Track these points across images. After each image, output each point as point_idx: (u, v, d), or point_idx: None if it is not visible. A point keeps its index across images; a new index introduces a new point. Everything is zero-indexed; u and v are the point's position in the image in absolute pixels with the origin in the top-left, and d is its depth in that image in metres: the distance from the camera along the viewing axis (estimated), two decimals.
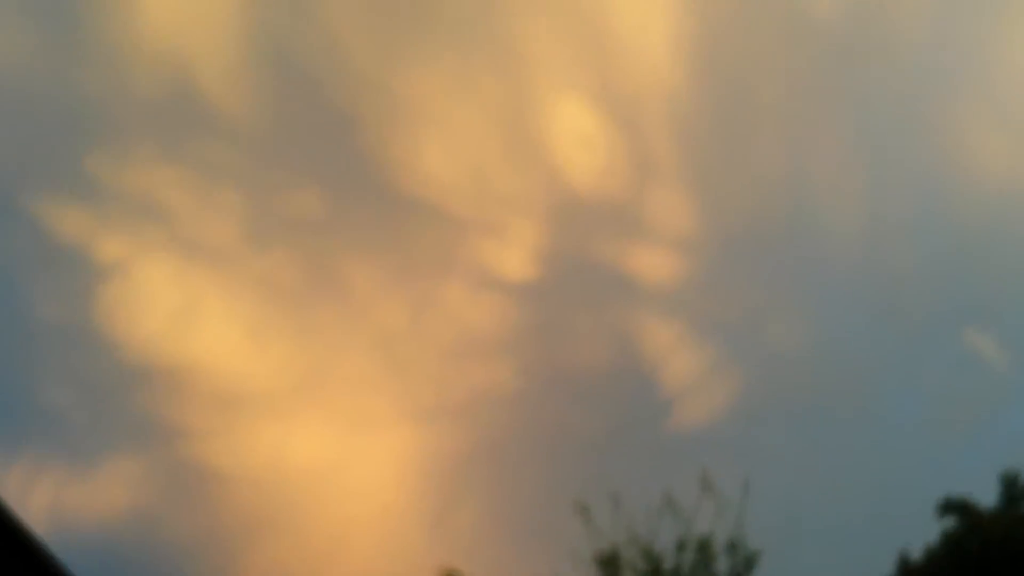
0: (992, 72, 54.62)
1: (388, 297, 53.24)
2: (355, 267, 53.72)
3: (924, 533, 32.29)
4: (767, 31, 53.97)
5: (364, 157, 53.00)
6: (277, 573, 35.30)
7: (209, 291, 49.58)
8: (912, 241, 51.04)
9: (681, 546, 29.23)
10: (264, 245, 52.00)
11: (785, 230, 51.41)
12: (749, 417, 42.17)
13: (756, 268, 51.53)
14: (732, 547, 29.22)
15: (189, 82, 52.13)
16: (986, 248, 49.33)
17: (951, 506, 32.26)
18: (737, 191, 52.61)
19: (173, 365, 45.93)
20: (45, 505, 39.59)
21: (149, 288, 48.13)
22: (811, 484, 37.00)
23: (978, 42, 55.12)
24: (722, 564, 28.60)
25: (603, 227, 52.85)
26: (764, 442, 39.13)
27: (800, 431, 41.33)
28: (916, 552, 32.39)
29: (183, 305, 49.00)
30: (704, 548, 29.15)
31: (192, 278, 49.69)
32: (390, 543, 39.56)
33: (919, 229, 51.05)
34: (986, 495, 32.68)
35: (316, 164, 53.95)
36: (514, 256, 51.46)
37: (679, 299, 49.98)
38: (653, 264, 50.69)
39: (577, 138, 52.69)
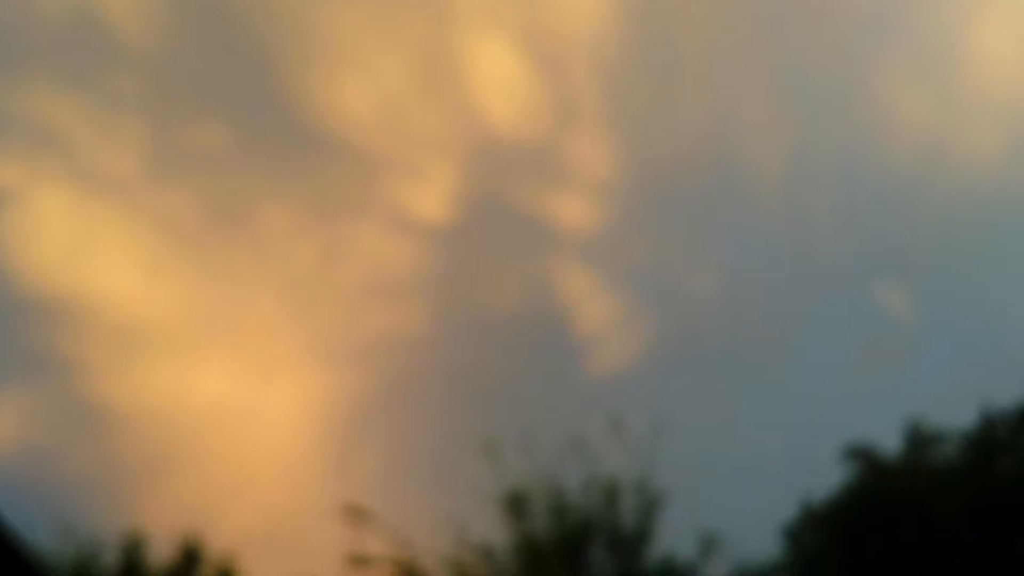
0: (917, 26, 54.93)
1: (298, 237, 51.85)
2: (265, 205, 52.12)
3: (831, 479, 32.50)
4: None
5: (278, 93, 51.31)
6: (176, 512, 34.05)
7: (108, 223, 47.65)
8: (831, 191, 51.33)
9: (588, 486, 29.05)
10: (168, 179, 50.07)
11: (706, 177, 51.22)
12: (662, 362, 42.02)
13: (675, 215, 51.32)
14: (639, 487, 29.13)
15: (94, 8, 49.85)
16: (902, 201, 49.82)
17: (854, 452, 32.51)
18: (659, 137, 52.21)
19: (69, 297, 44.07)
20: None
21: (45, 218, 46.13)
22: (722, 429, 37.02)
23: (905, 4, 55.41)
24: (629, 503, 28.51)
25: (522, 171, 52.03)
26: (676, 387, 38.98)
27: (713, 377, 41.31)
28: (819, 497, 32.60)
29: (81, 237, 47.13)
30: (611, 488, 28.98)
31: (91, 209, 47.67)
32: (294, 484, 38.64)
33: (838, 179, 51.36)
34: (893, 444, 33.00)
35: (227, 98, 52.09)
36: (430, 198, 50.39)
37: (596, 245, 49.54)
38: (572, 209, 50.07)
39: (499, 80, 51.66)
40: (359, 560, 27.79)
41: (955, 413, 32.63)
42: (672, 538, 29.11)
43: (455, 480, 31.32)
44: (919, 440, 32.51)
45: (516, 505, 28.31)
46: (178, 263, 48.79)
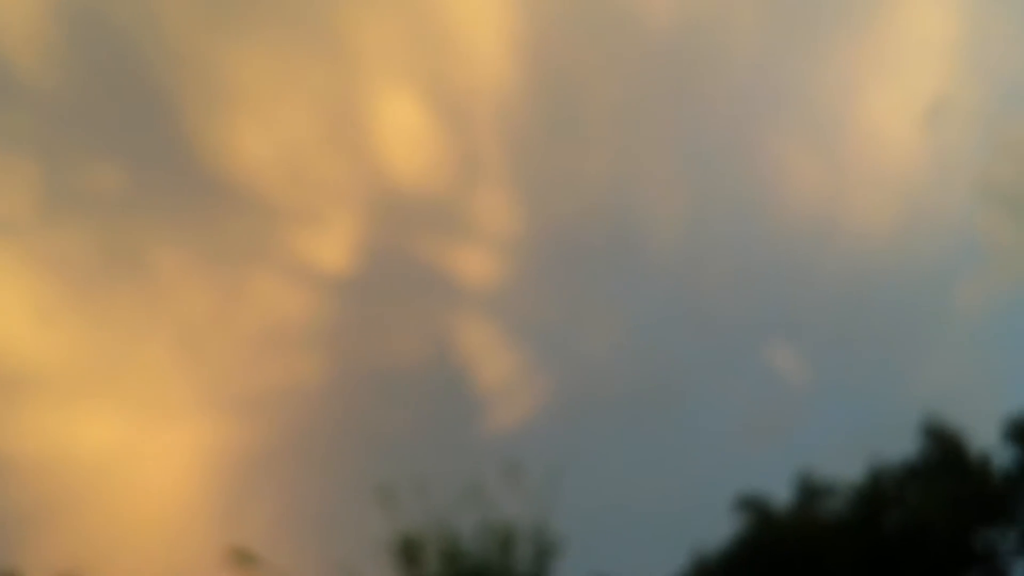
0: (812, 101, 57.22)
1: (194, 284, 50.81)
2: (161, 251, 51.03)
3: (723, 530, 32.88)
4: (603, 37, 54.85)
5: (179, 136, 50.65)
6: (60, 560, 32.57)
7: None
8: (726, 253, 52.66)
9: (483, 532, 28.77)
10: (61, 221, 48.74)
11: (606, 234, 52.07)
12: (561, 416, 42.19)
13: (576, 270, 51.96)
14: (535, 535, 28.94)
15: None
16: (795, 266, 51.37)
17: (746, 503, 32.99)
18: (562, 193, 53.04)
19: None
20: None
21: None
22: (618, 480, 37.23)
23: (801, 72, 57.69)
24: (524, 551, 28.27)
25: (426, 223, 52.17)
26: (574, 440, 39.14)
27: (610, 430, 41.60)
28: (711, 547, 32.92)
29: None
30: (506, 535, 28.73)
31: None
32: (182, 533, 37.36)
33: (734, 242, 52.75)
34: (784, 496, 33.61)
35: (126, 139, 51.19)
36: (331, 248, 50.09)
37: (498, 299, 49.78)
38: (474, 263, 50.32)
39: (404, 132, 52.01)
40: None
41: (844, 468, 33.51)
42: None
43: (348, 528, 30.74)
44: (809, 492, 33.17)
45: (409, 552, 27.81)
46: (69, 309, 47.34)
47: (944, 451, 32.34)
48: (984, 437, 32.17)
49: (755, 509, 32.74)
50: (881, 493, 32.28)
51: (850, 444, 37.02)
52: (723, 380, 46.12)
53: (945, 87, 55.93)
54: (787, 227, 52.89)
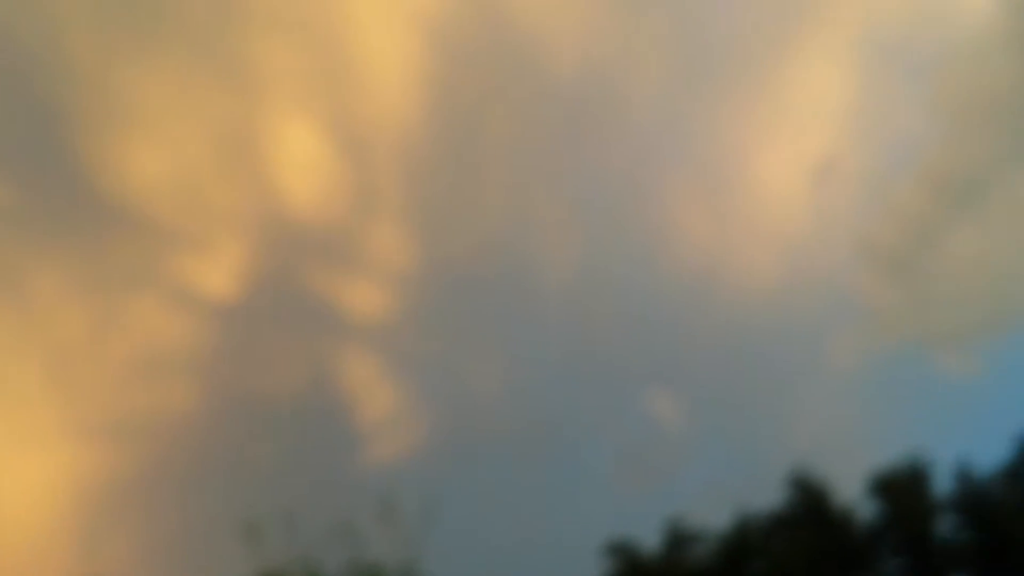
0: (706, 155, 58.63)
1: (72, 306, 49.16)
2: (41, 270, 49.31)
3: (592, 572, 32.97)
4: (507, 80, 55.37)
5: (71, 155, 49.25)
6: None
7: None
8: (614, 299, 53.30)
9: (350, 570, 28.36)
10: None
11: (499, 273, 52.26)
12: (440, 454, 42.01)
13: (465, 308, 51.96)
14: (404, 574, 28.67)
15: None
16: (680, 315, 52.27)
17: (615, 548, 33.19)
18: (456, 231, 53.10)
19: None
20: None
21: None
22: (493, 520, 37.08)
23: (697, 126, 59.14)
24: None
25: (317, 253, 51.64)
26: (452, 478, 38.79)
27: (488, 470, 41.54)
28: None
29: None
30: (374, 573, 28.37)
31: None
32: (38, 566, 35.77)
33: (622, 289, 53.42)
34: (653, 542, 33.88)
35: (15, 156, 49.49)
36: (217, 274, 49.12)
37: (385, 333, 49.39)
38: (363, 296, 49.93)
39: (302, 160, 51.55)
40: None
41: (713, 516, 33.98)
42: None
43: (212, 562, 29.90)
44: (677, 539, 33.53)
45: None
46: None
47: (809, 503, 33.08)
48: (849, 490, 33.07)
49: (623, 554, 32.95)
50: (746, 542, 32.81)
51: (722, 493, 37.60)
52: (604, 423, 46.55)
53: (834, 149, 58.01)
54: (675, 276, 53.95)
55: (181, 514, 38.77)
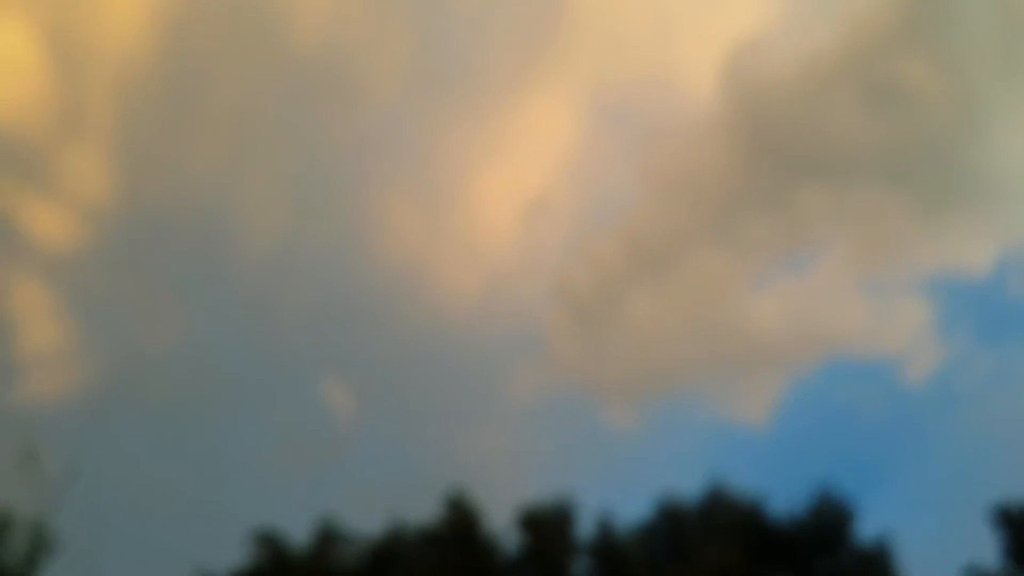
0: (430, 165, 59.13)
1: None
2: None
3: (233, 557, 32.24)
4: (247, 42, 53.32)
5: None
6: None
7: None
8: (308, 284, 52.47)
9: None
10: None
11: (198, 231, 49.94)
12: (99, 403, 39.36)
13: (157, 258, 49.20)
14: (34, 528, 26.74)
15: None
16: (373, 312, 52.28)
17: (261, 538, 32.61)
18: (163, 179, 50.26)
19: None
20: None
21: None
22: (140, 486, 35.27)
23: (426, 135, 59.54)
24: (17, 541, 26.09)
25: (5, 167, 46.96)
26: (105, 435, 36.56)
27: (145, 432, 39.42)
28: (217, 573, 32.20)
29: None
30: (1, 524, 26.31)
31: None
32: None
33: (318, 276, 52.71)
34: (303, 537, 33.56)
35: None
36: None
37: (67, 266, 45.69)
38: (49, 222, 45.97)
39: (7, 65, 46.83)
40: None
41: (367, 520, 34.07)
42: None
43: None
44: (328, 538, 33.41)
45: None
46: None
47: (460, 524, 34.00)
48: (500, 519, 34.23)
49: (270, 545, 32.42)
50: (395, 552, 33.24)
51: (377, 495, 37.93)
52: (272, 403, 45.51)
53: (547, 190, 60.34)
54: (375, 275, 53.92)
55: None
